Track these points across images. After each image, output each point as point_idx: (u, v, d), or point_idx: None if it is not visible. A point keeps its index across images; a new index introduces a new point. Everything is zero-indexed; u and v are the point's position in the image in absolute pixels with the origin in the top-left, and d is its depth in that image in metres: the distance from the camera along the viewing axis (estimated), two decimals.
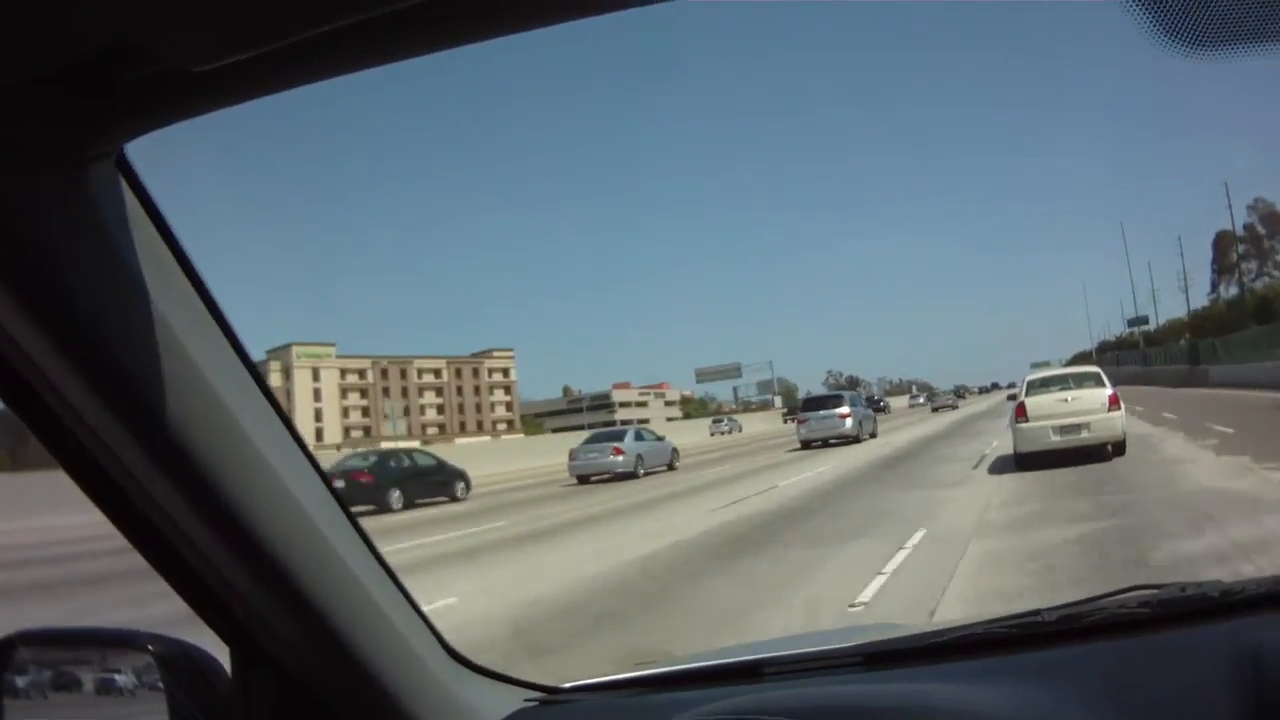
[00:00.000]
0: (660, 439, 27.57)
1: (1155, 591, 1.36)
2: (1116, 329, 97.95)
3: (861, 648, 1.39)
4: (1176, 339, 64.71)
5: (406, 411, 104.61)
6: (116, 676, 1.15)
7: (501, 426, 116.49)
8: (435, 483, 22.29)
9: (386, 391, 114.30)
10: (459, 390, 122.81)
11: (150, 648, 1.13)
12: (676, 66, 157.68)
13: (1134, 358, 73.13)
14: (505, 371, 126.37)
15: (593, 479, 24.15)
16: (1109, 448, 14.45)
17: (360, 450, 30.89)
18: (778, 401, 79.51)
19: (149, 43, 0.73)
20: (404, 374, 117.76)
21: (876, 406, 34.45)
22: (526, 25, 0.78)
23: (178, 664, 1.12)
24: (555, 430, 47.16)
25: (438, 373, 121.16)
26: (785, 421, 58.84)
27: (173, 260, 0.95)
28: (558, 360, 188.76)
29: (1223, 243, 70.02)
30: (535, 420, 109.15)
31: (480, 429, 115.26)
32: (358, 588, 1.15)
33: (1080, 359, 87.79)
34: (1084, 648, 1.26)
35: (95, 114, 0.82)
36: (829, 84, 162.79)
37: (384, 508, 20.13)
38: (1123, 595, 1.37)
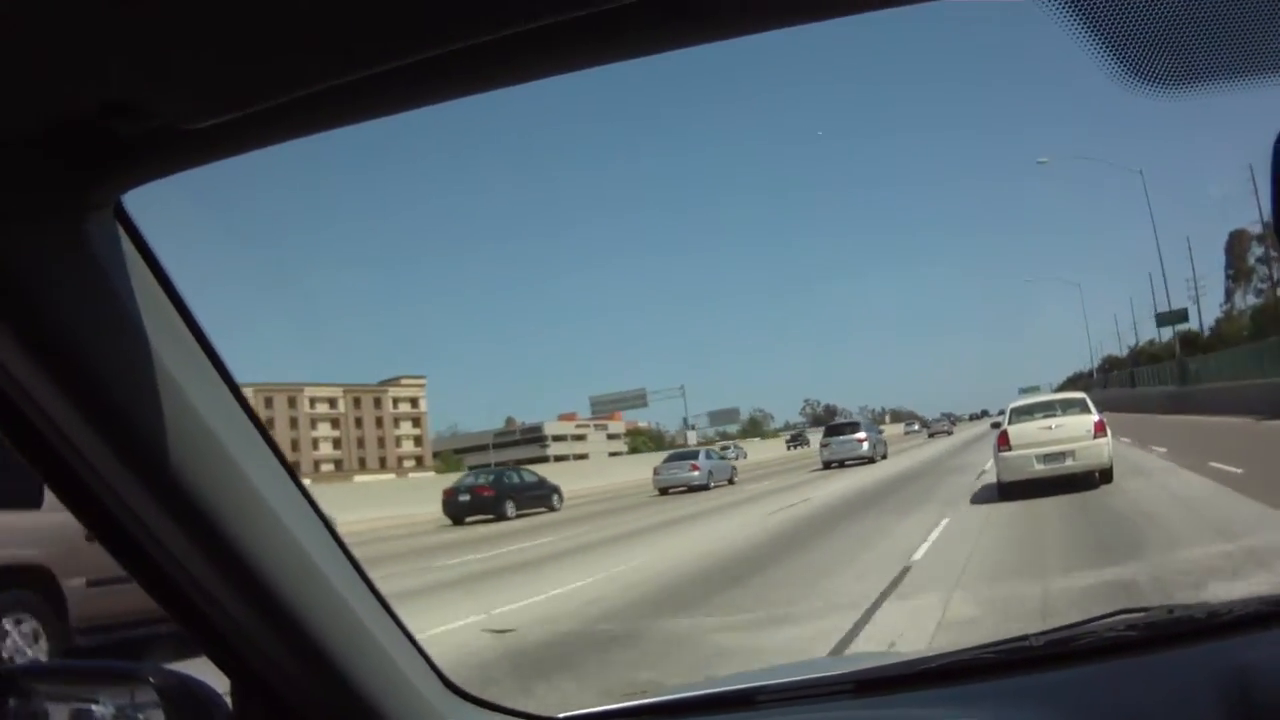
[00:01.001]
0: (723, 458, 38.50)
1: (1142, 614, 1.55)
2: (1113, 348, 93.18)
3: (852, 675, 1.57)
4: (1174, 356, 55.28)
5: None
6: (118, 710, 1.29)
7: (409, 463, 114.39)
8: (537, 496, 29.99)
9: (271, 423, 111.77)
10: (358, 422, 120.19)
11: (152, 680, 1.27)
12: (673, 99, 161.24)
13: (1155, 375, 60.86)
14: (414, 401, 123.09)
15: (670, 490, 32.71)
16: (1096, 475, 15.38)
17: (478, 469, 41.76)
18: (693, 437, 77.86)
19: (147, 101, 0.87)
20: (293, 403, 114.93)
21: None
22: (503, 83, 0.94)
23: (179, 697, 1.27)
24: (474, 467, 46.15)
25: (333, 402, 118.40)
26: (790, 448, 70.53)
27: (171, 307, 1.09)
28: (503, 390, 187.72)
29: (1238, 244, 64.94)
30: (455, 456, 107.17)
31: (383, 465, 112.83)
32: (354, 620, 1.30)
33: (1075, 382, 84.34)
34: (1072, 671, 1.43)
35: (94, 166, 0.95)
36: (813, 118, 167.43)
37: (501, 516, 27.57)
38: (1110, 619, 1.55)
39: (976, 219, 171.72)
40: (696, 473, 33.11)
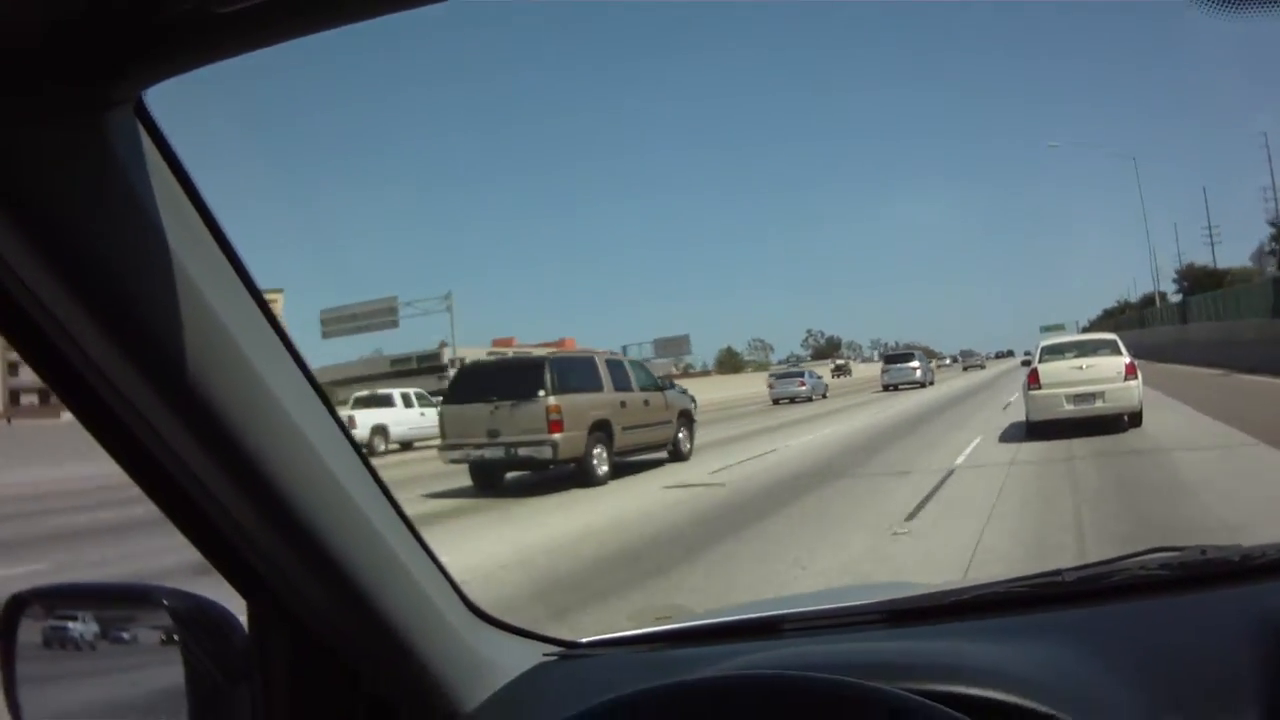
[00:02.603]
0: (819, 377, 50.12)
1: (1175, 554, 1.60)
2: (1144, 287, 76.78)
3: (882, 605, 1.62)
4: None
5: None
6: (131, 632, 1.33)
7: None
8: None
9: None
10: None
11: (165, 602, 1.30)
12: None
13: None
14: None
15: (780, 401, 44.16)
16: (1125, 418, 15.95)
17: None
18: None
19: None
20: None
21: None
22: None
23: (193, 619, 1.30)
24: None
25: None
26: (835, 376, 79.98)
27: (191, 208, 1.10)
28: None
29: None
30: (332, 387, 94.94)
31: None
32: (377, 540, 1.33)
33: (1119, 316, 78.28)
34: (1104, 608, 1.49)
35: (115, 58, 0.94)
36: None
37: None
38: (1143, 557, 1.60)
39: (998, 139, 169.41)
40: (804, 388, 45.91)
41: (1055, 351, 17.33)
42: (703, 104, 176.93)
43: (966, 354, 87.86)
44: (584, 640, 1.69)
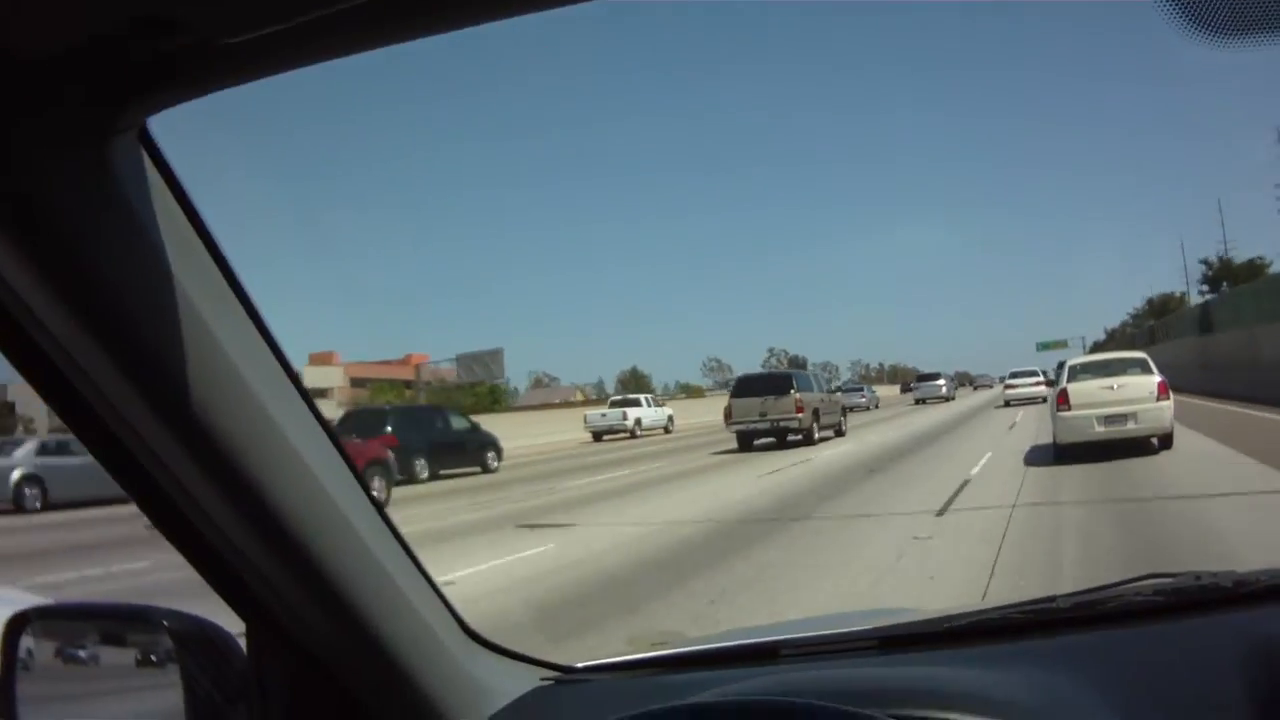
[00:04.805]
0: (874, 392, 64.34)
1: (1169, 580, 1.59)
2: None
3: (877, 631, 1.62)
4: None
5: None
6: (131, 652, 1.34)
7: None
8: None
9: None
10: None
11: (165, 623, 1.30)
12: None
13: None
14: None
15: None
16: (1155, 440, 15.53)
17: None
18: None
19: (181, 14, 0.86)
20: None
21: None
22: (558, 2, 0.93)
23: (193, 640, 1.30)
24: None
25: None
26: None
27: (194, 234, 1.11)
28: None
29: None
30: None
31: None
32: (375, 564, 1.33)
33: (1142, 325, 71.41)
34: (1098, 634, 1.48)
35: (122, 86, 0.95)
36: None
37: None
38: (1137, 583, 1.59)
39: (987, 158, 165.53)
40: (863, 399, 56.89)
41: (1084, 371, 16.92)
42: (669, 119, 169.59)
43: (963, 375, 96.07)
44: (580, 665, 1.69)
